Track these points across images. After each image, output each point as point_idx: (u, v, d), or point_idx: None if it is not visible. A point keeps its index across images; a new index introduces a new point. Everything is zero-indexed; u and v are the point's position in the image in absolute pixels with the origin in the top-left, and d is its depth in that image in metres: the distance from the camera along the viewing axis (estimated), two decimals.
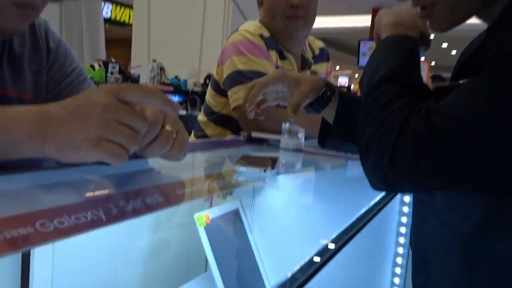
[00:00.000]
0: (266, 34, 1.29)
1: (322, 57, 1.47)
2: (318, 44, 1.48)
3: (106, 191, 0.52)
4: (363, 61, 7.79)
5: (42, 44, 0.80)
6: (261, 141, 1.05)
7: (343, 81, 21.69)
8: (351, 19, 10.15)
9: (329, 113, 0.84)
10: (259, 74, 1.20)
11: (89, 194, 0.50)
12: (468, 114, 0.48)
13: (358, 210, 0.66)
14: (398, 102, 0.53)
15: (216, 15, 3.25)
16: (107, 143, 0.45)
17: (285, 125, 0.92)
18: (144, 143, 0.51)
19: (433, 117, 0.49)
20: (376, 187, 0.56)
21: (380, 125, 0.53)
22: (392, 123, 0.51)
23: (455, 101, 0.50)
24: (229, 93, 1.24)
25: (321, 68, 1.46)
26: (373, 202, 0.71)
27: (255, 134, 1.06)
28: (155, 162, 0.62)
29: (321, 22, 10.63)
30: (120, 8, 9.31)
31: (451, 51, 13.86)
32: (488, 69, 0.50)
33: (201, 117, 1.41)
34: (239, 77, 1.21)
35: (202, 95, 3.18)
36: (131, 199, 0.44)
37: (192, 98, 3.41)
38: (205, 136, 1.37)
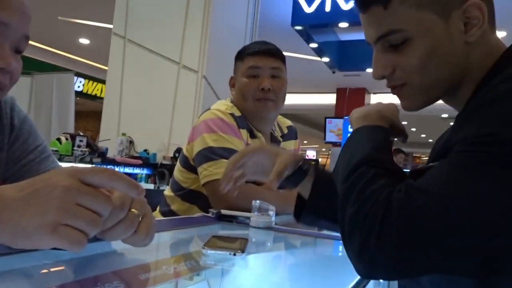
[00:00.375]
0: (237, 113, 1.32)
1: (290, 135, 1.51)
2: (286, 122, 1.54)
3: (60, 280, 0.48)
4: (329, 136, 8.09)
5: (6, 121, 0.79)
6: (230, 219, 1.02)
7: (311, 154, 22.23)
8: (318, 98, 10.70)
9: (304, 188, 0.83)
10: (230, 151, 1.21)
11: (41, 284, 0.45)
12: (445, 189, 0.48)
13: None
14: (378, 183, 0.53)
15: (188, 92, 3.35)
16: (65, 228, 0.42)
17: (255, 203, 0.91)
18: (106, 226, 0.48)
19: (413, 194, 0.49)
20: (363, 272, 0.53)
21: (362, 205, 0.52)
22: (375, 202, 0.51)
23: (431, 178, 0.51)
24: (200, 169, 1.23)
25: (290, 146, 1.49)
26: (351, 285, 0.68)
27: (224, 211, 1.03)
28: (116, 244, 0.58)
29: (290, 99, 11.13)
30: (93, 83, 9.46)
31: (410, 128, 14.67)
32: (454, 153, 0.51)
33: (167, 192, 1.39)
34: (210, 154, 1.22)
35: (171, 168, 3.15)
36: None
37: (161, 172, 3.37)
38: (171, 211, 1.33)
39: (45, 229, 0.41)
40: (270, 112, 1.34)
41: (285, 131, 1.50)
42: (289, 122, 1.54)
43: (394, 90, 0.66)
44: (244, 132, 1.31)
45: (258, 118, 1.35)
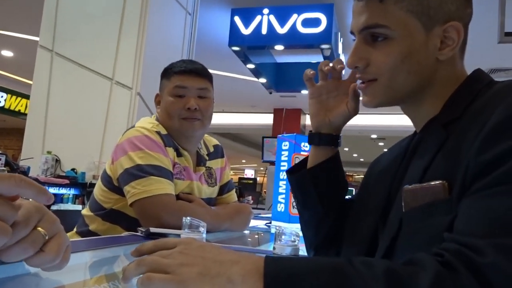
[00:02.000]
0: (163, 131, 1.30)
1: (216, 153, 1.50)
2: (212, 141, 1.53)
3: None
4: (267, 155, 8.22)
5: None
6: (160, 236, 0.98)
7: (249, 173, 22.40)
8: (256, 117, 10.88)
9: (318, 154, 0.83)
10: (158, 169, 1.18)
11: None
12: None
13: None
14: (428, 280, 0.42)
15: (121, 109, 3.23)
16: None
17: (186, 219, 0.88)
18: (4, 244, 0.44)
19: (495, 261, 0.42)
20: None
21: None
22: None
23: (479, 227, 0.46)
24: (127, 188, 1.18)
25: (216, 164, 1.49)
26: None
27: (153, 229, 1.00)
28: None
29: (228, 118, 11.24)
30: (16, 98, 8.82)
31: (344, 148, 15.36)
32: (497, 179, 0.48)
33: (85, 211, 1.32)
34: (137, 172, 1.18)
35: None
36: None
37: (90, 192, 3.19)
38: (89, 231, 1.26)
39: None
40: (196, 131, 1.33)
41: (211, 149, 1.49)
42: (215, 141, 1.54)
43: (362, 84, 0.70)
44: (170, 151, 1.28)
45: (184, 136, 1.33)
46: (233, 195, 1.54)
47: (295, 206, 0.93)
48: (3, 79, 8.47)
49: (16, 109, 8.82)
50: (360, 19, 0.67)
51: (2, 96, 8.46)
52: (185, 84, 1.29)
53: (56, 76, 3.36)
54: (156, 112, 1.40)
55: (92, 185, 3.37)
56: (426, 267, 0.44)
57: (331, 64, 0.82)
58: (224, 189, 1.50)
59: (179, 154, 1.32)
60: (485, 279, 0.42)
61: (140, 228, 1.03)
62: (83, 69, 3.32)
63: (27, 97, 8.22)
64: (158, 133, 1.27)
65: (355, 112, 0.80)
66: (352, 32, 0.70)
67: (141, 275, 0.47)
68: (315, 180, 0.81)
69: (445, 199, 0.55)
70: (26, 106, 8.65)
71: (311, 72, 0.83)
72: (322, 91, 0.83)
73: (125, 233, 1.03)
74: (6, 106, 8.67)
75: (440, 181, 0.56)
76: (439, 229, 0.52)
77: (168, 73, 1.34)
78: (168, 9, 3.58)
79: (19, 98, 8.85)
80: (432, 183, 0.57)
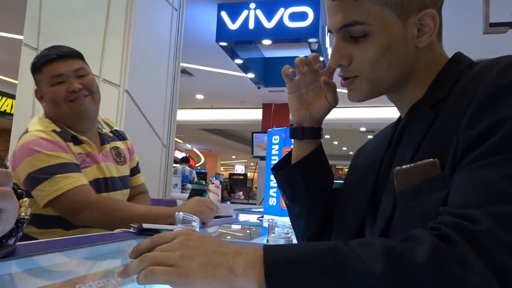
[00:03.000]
0: (58, 128, 1.31)
1: (120, 135, 1.54)
2: (114, 124, 1.57)
3: None
4: (257, 151, 8.22)
5: None
6: (153, 232, 0.99)
7: (239, 169, 22.43)
8: (245, 113, 10.86)
9: (301, 148, 0.83)
10: (61, 166, 1.21)
11: None
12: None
13: None
14: (426, 255, 0.43)
15: (109, 107, 3.20)
16: None
17: (179, 214, 0.89)
18: None
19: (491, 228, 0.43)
20: None
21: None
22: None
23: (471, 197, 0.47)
24: (35, 192, 1.20)
25: (122, 145, 1.51)
26: None
27: (146, 225, 1.00)
28: (36, 261, 0.53)
29: (217, 114, 11.20)
30: (1, 98, 8.67)
31: (332, 142, 15.46)
32: (487, 151, 0.49)
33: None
34: (41, 175, 1.19)
35: None
36: None
37: None
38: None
39: None
40: (89, 108, 1.33)
41: (114, 128, 1.53)
42: (115, 126, 1.57)
43: (345, 81, 0.70)
44: (71, 145, 1.30)
45: (78, 119, 1.32)
46: (141, 176, 1.61)
47: None
48: None
49: (2, 109, 8.68)
50: (336, 18, 0.67)
51: None
52: (59, 71, 1.29)
53: None
54: (42, 107, 1.40)
55: None
56: (423, 241, 0.45)
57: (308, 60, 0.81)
58: (134, 171, 1.56)
59: (78, 143, 1.33)
60: (481, 246, 0.43)
61: (132, 225, 1.03)
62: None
63: (12, 96, 8.09)
64: (54, 131, 1.29)
65: (335, 103, 0.81)
66: (330, 31, 0.71)
67: (141, 271, 0.47)
68: (302, 174, 0.82)
69: (437, 175, 0.56)
70: (12, 106, 8.51)
71: (290, 70, 0.82)
72: (301, 85, 0.83)
73: (118, 230, 1.03)
74: None
75: (432, 159, 0.57)
76: (434, 206, 0.53)
77: (38, 66, 1.32)
78: (154, 5, 3.55)
79: (4, 98, 8.71)
80: (424, 161, 0.58)
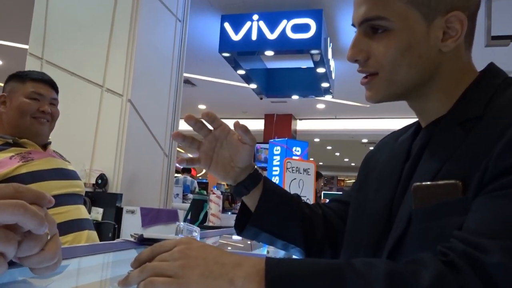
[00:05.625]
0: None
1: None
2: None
3: None
4: (258, 162, 8.20)
5: None
6: (152, 242, 0.98)
7: None
8: (246, 123, 10.76)
9: (250, 198, 0.78)
10: None
11: None
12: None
13: None
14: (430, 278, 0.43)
15: (112, 116, 3.22)
16: None
17: (180, 225, 0.89)
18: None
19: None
20: None
21: None
22: None
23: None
24: None
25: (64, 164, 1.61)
26: None
27: (147, 235, 0.99)
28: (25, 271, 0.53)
29: None
30: None
31: (334, 153, 15.44)
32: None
33: None
34: None
35: (93, 196, 2.97)
36: None
37: None
38: None
39: None
40: (45, 130, 1.51)
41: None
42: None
43: (365, 79, 0.67)
44: (9, 151, 1.39)
45: (30, 134, 1.47)
46: None
47: None
48: None
49: None
50: (360, 11, 0.65)
51: None
52: (41, 91, 1.49)
53: None
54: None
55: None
56: (428, 266, 0.44)
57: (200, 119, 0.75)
58: None
59: (16, 145, 1.43)
60: (489, 279, 0.41)
61: (133, 234, 1.03)
62: (73, 77, 3.30)
63: None
64: None
65: (254, 140, 0.75)
66: (353, 25, 0.68)
67: (141, 282, 0.47)
68: (264, 225, 0.76)
69: (459, 199, 0.53)
70: None
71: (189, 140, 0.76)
72: (209, 153, 0.77)
73: (118, 240, 1.03)
74: None
75: (455, 181, 0.54)
76: (450, 230, 0.51)
77: (22, 77, 1.50)
78: (158, 16, 3.58)
79: None
80: (446, 181, 0.55)
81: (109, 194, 3.03)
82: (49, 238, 0.47)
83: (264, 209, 0.76)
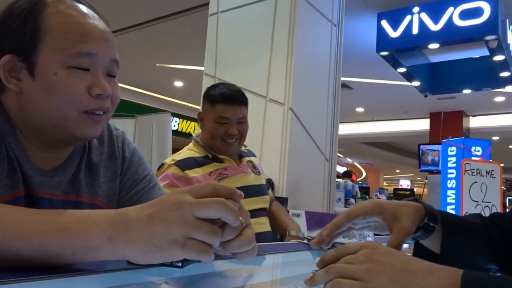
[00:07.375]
0: (198, 154, 1.55)
1: (250, 152, 1.77)
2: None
3: None
4: (424, 164, 7.56)
5: (118, 153, 0.87)
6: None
7: (404, 184, 20.98)
8: (409, 124, 10.18)
9: (432, 241, 0.72)
10: None
11: None
12: None
13: None
14: None
15: (275, 124, 3.42)
16: (193, 242, 0.45)
17: (354, 231, 0.88)
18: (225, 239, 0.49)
19: None
20: None
21: None
22: None
23: None
24: None
25: (255, 160, 1.73)
26: None
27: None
28: (220, 264, 0.60)
29: (380, 127, 10.79)
30: (187, 121, 10.15)
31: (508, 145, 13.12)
32: None
33: None
34: None
35: None
36: None
37: None
38: None
39: (176, 244, 0.45)
40: (235, 149, 1.59)
41: (247, 146, 1.74)
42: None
43: None
44: (210, 167, 1.52)
45: (221, 152, 1.56)
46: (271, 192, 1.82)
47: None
48: (176, 106, 9.87)
49: (187, 131, 10.13)
50: None
51: (176, 121, 9.84)
52: (228, 115, 1.53)
53: None
54: (199, 127, 1.66)
55: None
56: None
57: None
58: (268, 185, 1.75)
59: (220, 161, 1.54)
60: None
61: (306, 236, 1.06)
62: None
63: (195, 120, 9.39)
64: (181, 161, 1.54)
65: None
66: None
67: (328, 282, 0.48)
68: (456, 260, 0.65)
69: None
70: (194, 128, 9.87)
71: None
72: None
73: (293, 241, 1.08)
74: (179, 129, 10.04)
75: None
76: None
77: (212, 100, 1.56)
78: (314, 23, 3.66)
79: (189, 122, 10.17)
80: None
81: (277, 198, 3.21)
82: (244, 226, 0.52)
83: (448, 257, 0.68)
